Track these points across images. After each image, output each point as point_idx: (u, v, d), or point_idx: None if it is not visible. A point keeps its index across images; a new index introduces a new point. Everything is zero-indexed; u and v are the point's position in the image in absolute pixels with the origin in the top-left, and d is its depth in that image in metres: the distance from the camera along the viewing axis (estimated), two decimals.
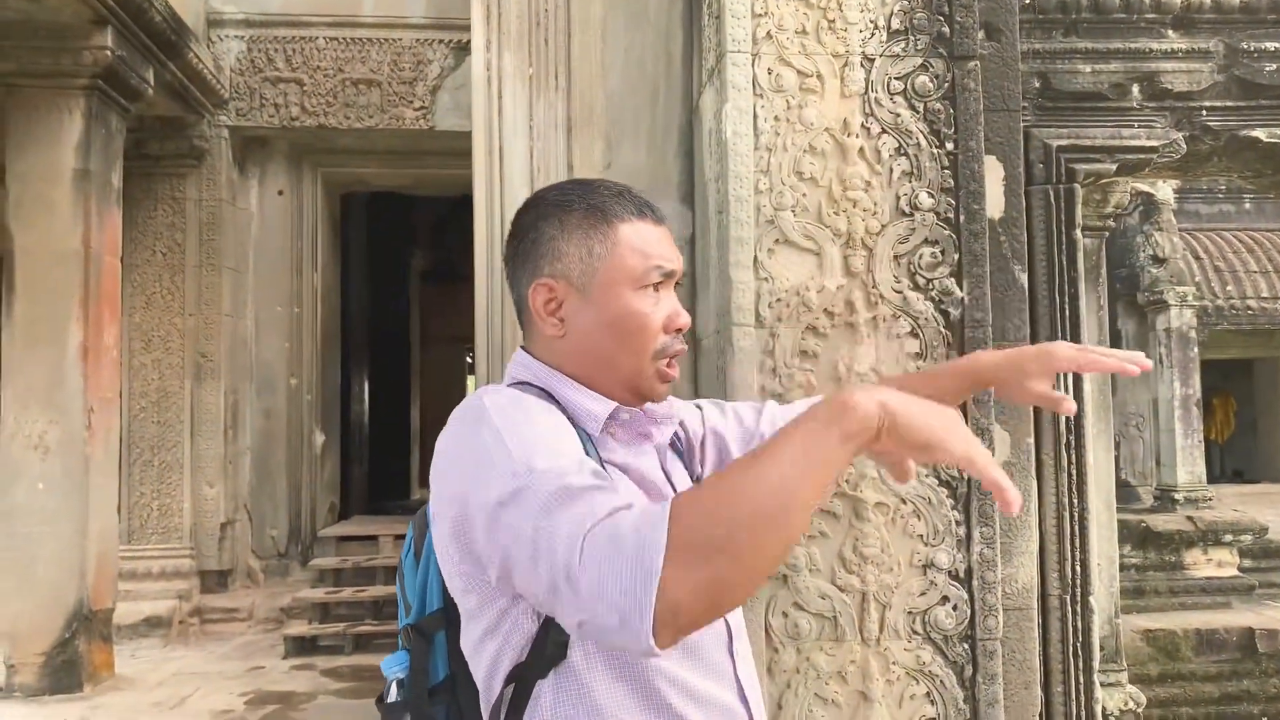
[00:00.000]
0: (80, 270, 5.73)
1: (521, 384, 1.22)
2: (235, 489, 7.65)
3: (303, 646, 6.58)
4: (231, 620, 7.21)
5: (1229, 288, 8.70)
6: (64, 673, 5.58)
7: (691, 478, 1.37)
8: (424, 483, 1.45)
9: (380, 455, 11.38)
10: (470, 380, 12.11)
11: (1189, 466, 7.51)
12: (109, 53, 5.63)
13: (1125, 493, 7.37)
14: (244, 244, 7.85)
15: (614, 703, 1.10)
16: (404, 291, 12.55)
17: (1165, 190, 7.61)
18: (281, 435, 7.98)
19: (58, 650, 5.57)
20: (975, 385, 1.53)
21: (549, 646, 1.10)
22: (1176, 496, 7.31)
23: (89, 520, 5.70)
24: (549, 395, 1.20)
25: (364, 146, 7.99)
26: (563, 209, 1.23)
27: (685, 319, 1.25)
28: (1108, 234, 4.84)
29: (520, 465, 1.02)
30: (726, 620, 1.21)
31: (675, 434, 1.35)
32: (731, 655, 1.21)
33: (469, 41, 2.88)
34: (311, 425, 8.23)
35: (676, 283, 1.27)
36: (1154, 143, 2.76)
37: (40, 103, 5.71)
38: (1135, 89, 2.77)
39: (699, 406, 1.45)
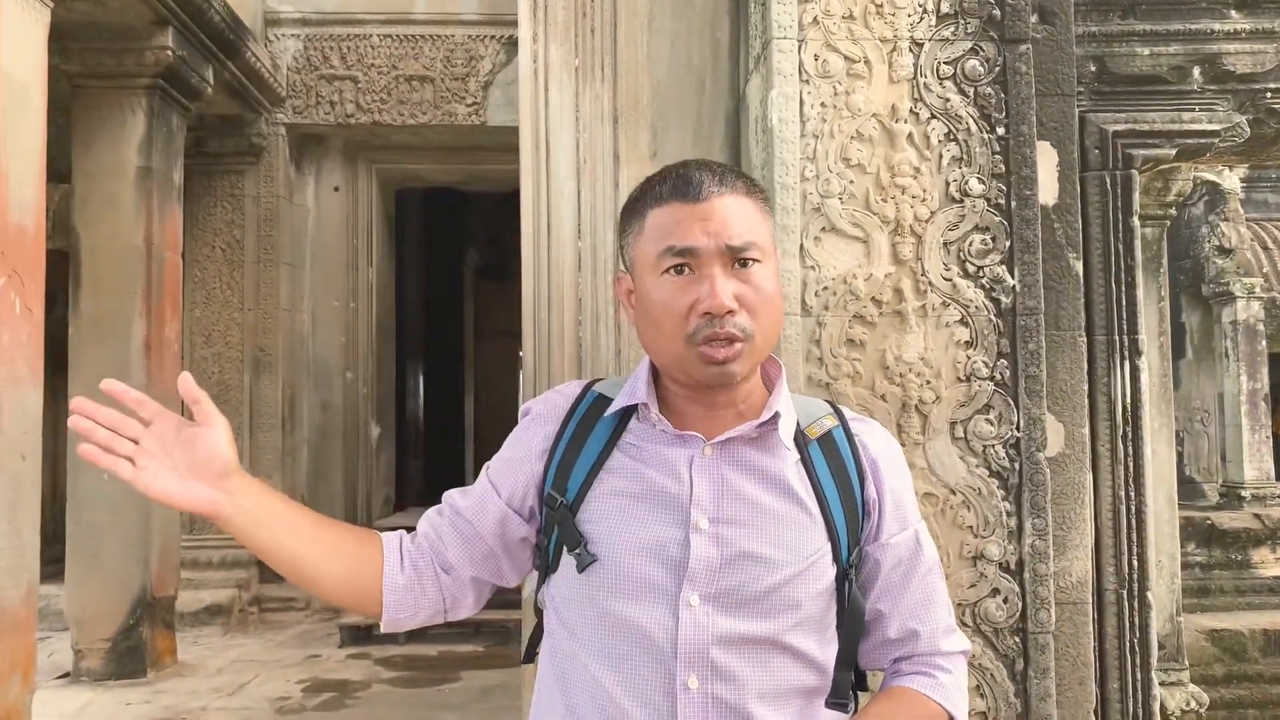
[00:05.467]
0: (143, 266, 5.88)
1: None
2: (293, 480, 7.79)
3: (358, 635, 6.68)
4: (289, 609, 7.35)
5: None
6: (128, 658, 5.73)
7: (855, 527, 1.24)
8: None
9: (435, 448, 11.50)
10: (521, 376, 12.14)
11: (1256, 463, 7.30)
12: (170, 53, 5.76)
13: (1190, 489, 7.19)
14: (301, 240, 7.98)
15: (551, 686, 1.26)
16: (459, 287, 12.65)
17: (1232, 179, 7.41)
18: (338, 428, 8.11)
19: (122, 636, 5.73)
20: None
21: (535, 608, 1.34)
22: (1243, 493, 7.12)
23: (152, 510, 5.84)
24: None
25: (417, 143, 8.08)
26: (628, 199, 1.28)
27: (714, 303, 1.14)
28: (1169, 223, 4.72)
29: None
30: (677, 651, 1.15)
31: (850, 461, 1.25)
32: (673, 694, 1.15)
33: None
34: (368, 418, 8.35)
35: (743, 260, 1.17)
36: (1215, 126, 2.68)
37: (104, 102, 5.86)
38: (1196, 71, 2.69)
39: (878, 462, 1.28)
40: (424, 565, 1.29)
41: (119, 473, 1.12)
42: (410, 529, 1.35)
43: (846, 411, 1.31)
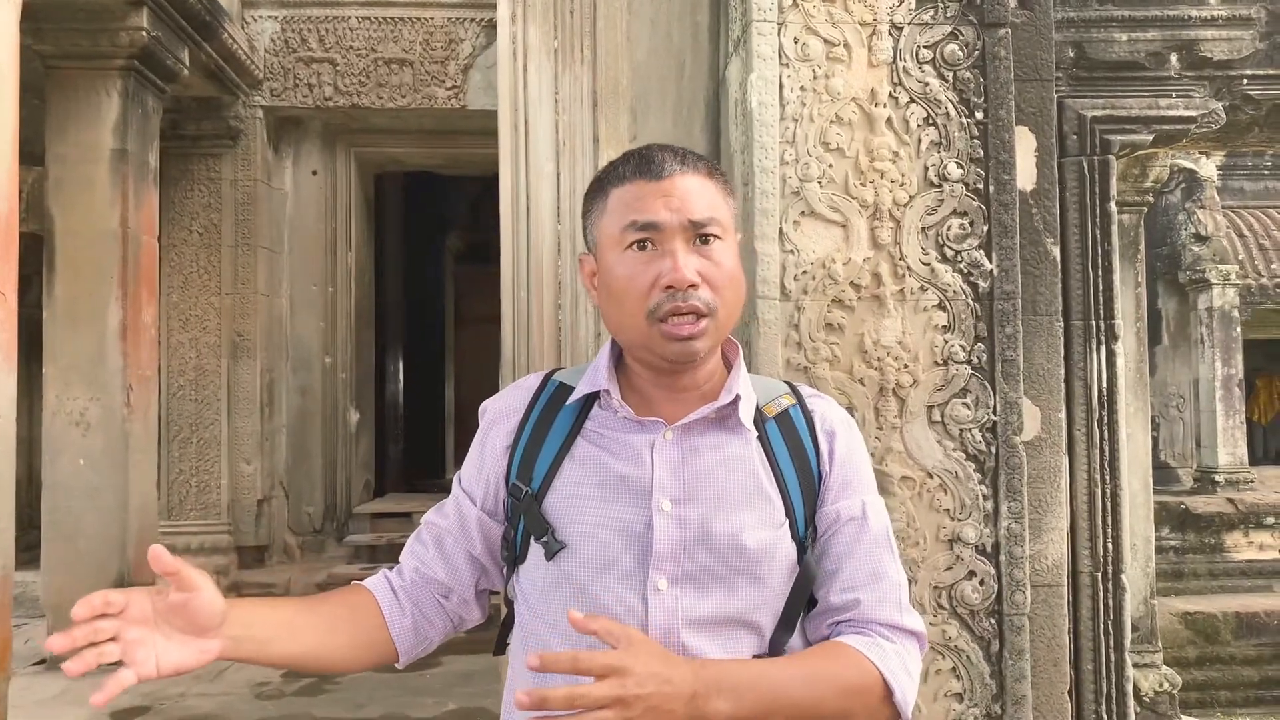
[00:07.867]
0: (119, 250, 5.82)
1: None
2: (272, 466, 7.75)
3: None
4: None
5: (1274, 266, 8.51)
6: None
7: (812, 502, 1.24)
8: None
9: (415, 434, 11.46)
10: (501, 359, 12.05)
11: (1230, 448, 7.39)
12: (145, 34, 5.69)
13: (1164, 474, 7.26)
14: (279, 224, 7.92)
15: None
16: (439, 271, 12.60)
17: (1208, 167, 7.47)
18: (317, 413, 8.06)
19: None
20: None
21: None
22: (1217, 478, 7.21)
23: (129, 495, 5.80)
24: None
25: (397, 126, 8.02)
26: (592, 181, 1.28)
27: (676, 276, 1.15)
28: (1146, 210, 4.76)
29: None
30: (648, 635, 1.12)
31: (811, 437, 1.25)
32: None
33: None
34: (347, 404, 8.31)
35: (704, 236, 1.18)
36: (1192, 113, 2.69)
37: (79, 84, 5.78)
38: (1173, 58, 2.71)
39: (832, 433, 1.28)
40: (423, 599, 1.30)
41: (124, 684, 1.08)
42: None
43: (804, 389, 1.32)
